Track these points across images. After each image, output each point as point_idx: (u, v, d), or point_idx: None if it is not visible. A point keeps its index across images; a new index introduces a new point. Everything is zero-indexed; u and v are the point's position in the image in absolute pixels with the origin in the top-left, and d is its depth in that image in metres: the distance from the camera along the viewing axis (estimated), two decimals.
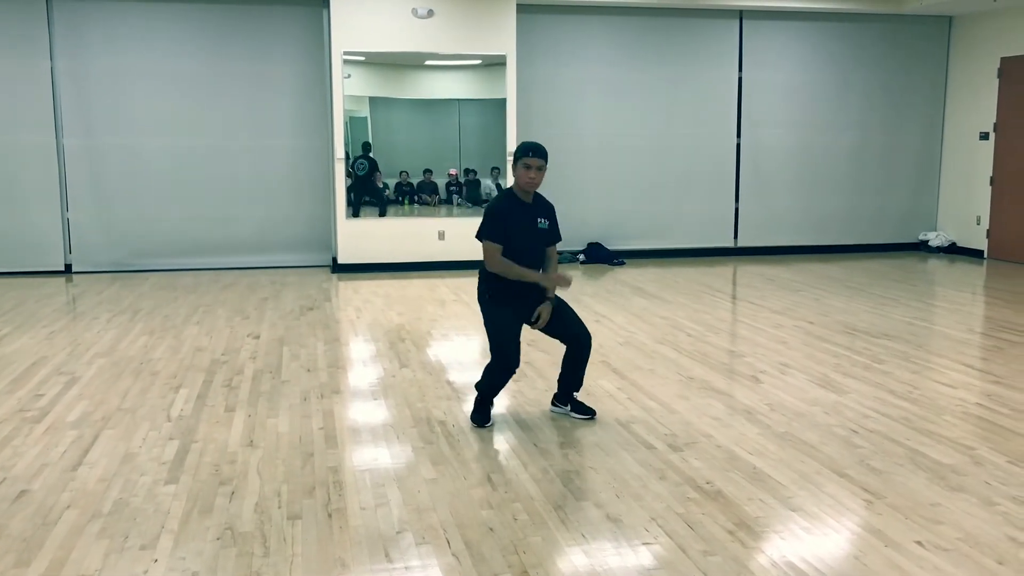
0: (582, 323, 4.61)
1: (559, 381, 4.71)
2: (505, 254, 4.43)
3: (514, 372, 4.53)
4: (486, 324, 4.55)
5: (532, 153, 4.37)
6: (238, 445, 4.23)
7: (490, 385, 4.58)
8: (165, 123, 9.53)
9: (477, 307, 7.57)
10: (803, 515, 3.44)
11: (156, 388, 5.19)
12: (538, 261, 4.56)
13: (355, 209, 9.57)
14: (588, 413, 4.66)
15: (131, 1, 9.28)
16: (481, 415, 4.58)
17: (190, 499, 3.59)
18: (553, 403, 4.79)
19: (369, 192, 9.69)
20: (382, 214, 9.74)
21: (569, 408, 4.70)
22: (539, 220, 4.51)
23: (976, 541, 3.21)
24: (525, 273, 4.43)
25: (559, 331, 4.58)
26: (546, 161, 4.42)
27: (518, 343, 4.51)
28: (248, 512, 3.47)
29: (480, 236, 4.45)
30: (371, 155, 9.68)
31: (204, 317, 7.23)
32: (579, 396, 4.76)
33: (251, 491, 3.67)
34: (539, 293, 4.51)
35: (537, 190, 4.51)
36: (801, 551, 3.14)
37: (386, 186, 9.78)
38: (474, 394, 4.70)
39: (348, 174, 9.50)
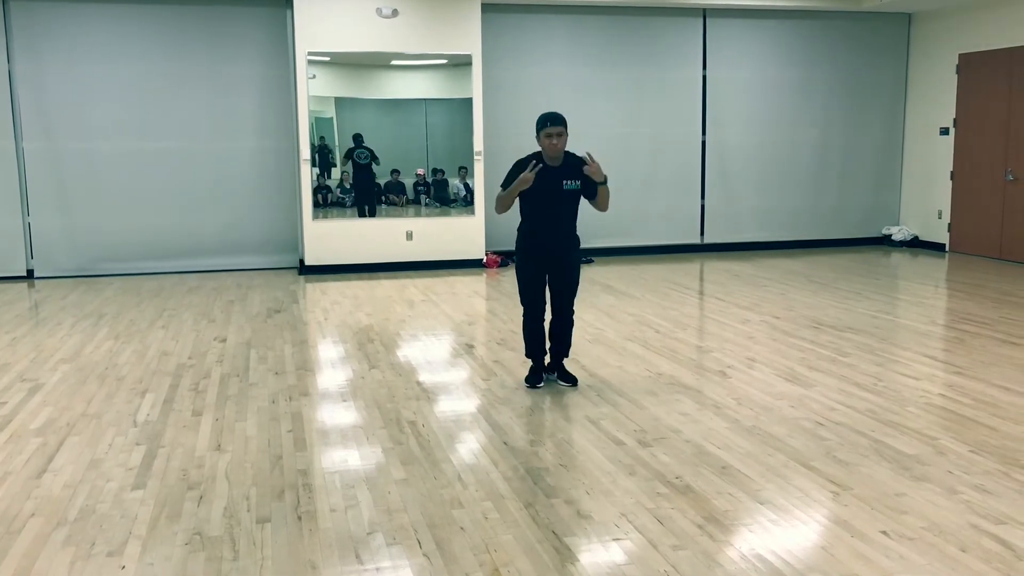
0: (571, 299, 5.07)
1: (548, 349, 5.19)
2: (525, 212, 4.95)
3: (542, 317, 5.03)
4: (517, 276, 5.06)
5: (551, 123, 4.73)
6: (206, 449, 4.19)
7: (528, 341, 5.10)
8: (127, 126, 9.41)
9: (445, 307, 7.60)
10: (771, 508, 3.47)
11: (122, 393, 5.13)
12: (565, 220, 4.94)
13: (368, 208, 9.58)
14: (570, 381, 5.13)
15: (91, 3, 9.17)
16: (533, 376, 5.13)
17: (158, 504, 3.55)
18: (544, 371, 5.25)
19: (369, 184, 9.64)
20: (372, 212, 9.71)
21: (555, 375, 5.19)
22: (566, 182, 4.81)
23: (940, 529, 3.26)
24: (513, 189, 4.78)
25: (551, 291, 5.06)
26: (565, 127, 4.76)
27: (542, 289, 5.00)
28: (217, 516, 3.44)
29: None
30: (366, 145, 9.65)
31: (169, 321, 7.16)
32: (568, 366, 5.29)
33: (219, 495, 3.64)
34: (562, 245, 4.97)
35: (570, 151, 4.86)
36: (770, 544, 3.17)
37: (378, 186, 9.73)
38: (446, 395, 4.70)
39: (336, 169, 9.49)
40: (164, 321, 7.16)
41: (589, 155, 4.83)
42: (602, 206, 4.95)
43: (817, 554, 3.09)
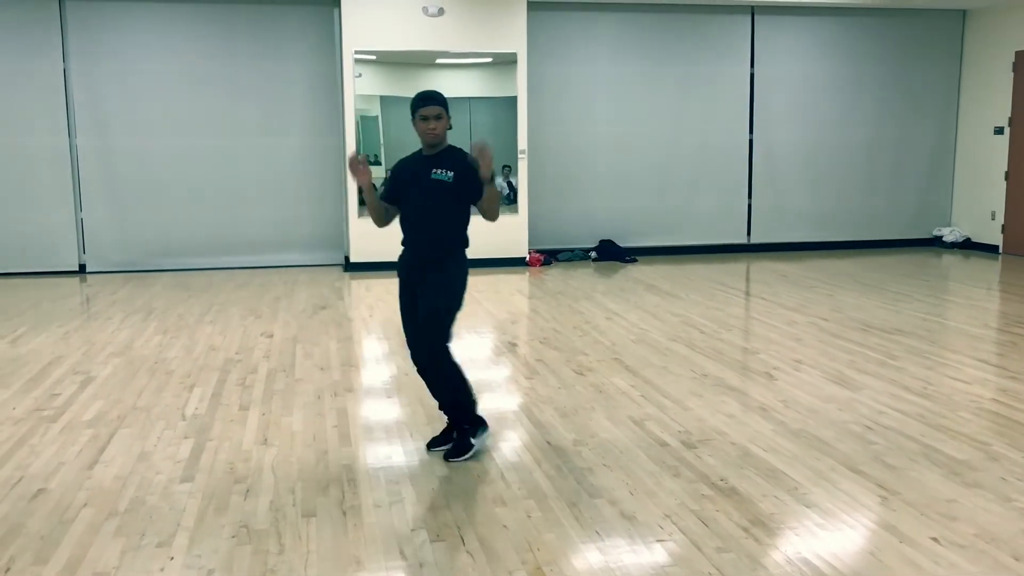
0: (428, 324, 4.05)
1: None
2: (402, 217, 4.23)
3: (416, 365, 4.12)
4: (459, 302, 4.25)
5: (423, 103, 3.92)
6: (252, 443, 4.24)
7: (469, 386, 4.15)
8: (177, 123, 9.57)
9: (488, 305, 7.61)
10: (818, 511, 3.43)
11: (171, 387, 5.21)
12: (439, 222, 4.12)
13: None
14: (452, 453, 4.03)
15: (142, 2, 9.32)
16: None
17: (205, 497, 3.60)
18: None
19: None
20: None
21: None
22: (435, 171, 3.96)
23: (992, 537, 3.19)
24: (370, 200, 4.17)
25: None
26: (445, 107, 3.93)
27: (409, 325, 4.21)
28: (263, 510, 3.48)
29: None
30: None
31: (218, 316, 7.26)
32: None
33: (266, 489, 3.69)
34: (428, 261, 4.20)
35: (451, 144, 4.04)
36: (816, 548, 3.13)
37: None
38: (489, 393, 4.66)
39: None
40: (212, 316, 7.26)
41: (483, 142, 3.86)
42: (489, 213, 4.11)
43: (864, 559, 3.04)
